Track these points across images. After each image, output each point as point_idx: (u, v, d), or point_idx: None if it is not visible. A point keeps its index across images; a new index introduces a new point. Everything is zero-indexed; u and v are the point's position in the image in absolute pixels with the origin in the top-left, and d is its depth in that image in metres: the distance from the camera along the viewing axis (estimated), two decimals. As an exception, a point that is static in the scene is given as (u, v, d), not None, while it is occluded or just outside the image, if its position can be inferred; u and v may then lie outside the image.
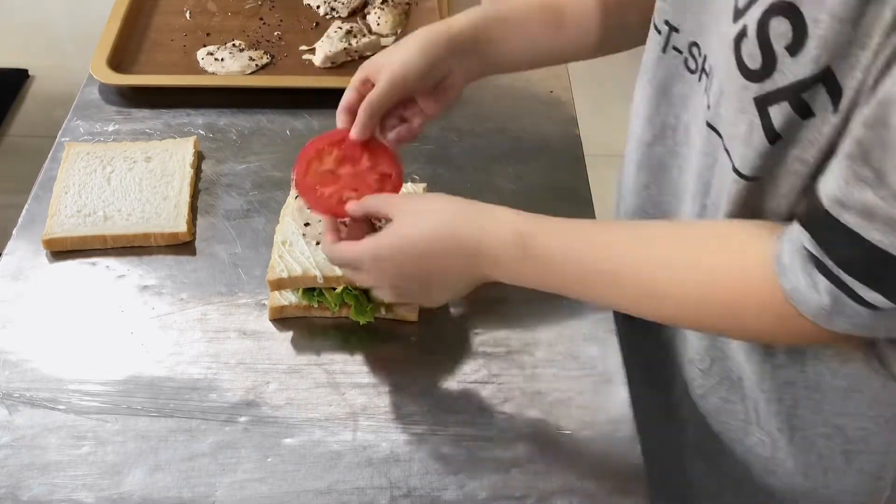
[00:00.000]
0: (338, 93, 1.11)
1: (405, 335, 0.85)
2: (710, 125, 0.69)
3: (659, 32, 0.76)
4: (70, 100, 1.12)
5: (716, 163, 0.69)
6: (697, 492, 0.89)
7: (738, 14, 0.62)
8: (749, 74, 0.61)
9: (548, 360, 0.83)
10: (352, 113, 0.82)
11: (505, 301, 0.88)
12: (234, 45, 1.18)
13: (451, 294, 0.77)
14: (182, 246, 0.93)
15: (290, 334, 0.85)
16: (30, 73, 2.65)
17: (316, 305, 0.85)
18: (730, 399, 0.80)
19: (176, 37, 1.21)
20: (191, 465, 0.75)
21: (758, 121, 0.61)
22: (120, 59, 1.15)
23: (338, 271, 0.83)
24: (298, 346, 0.84)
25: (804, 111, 0.59)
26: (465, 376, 0.82)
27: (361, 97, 0.82)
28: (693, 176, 0.74)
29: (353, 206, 0.77)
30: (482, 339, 0.85)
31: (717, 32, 0.67)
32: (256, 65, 1.15)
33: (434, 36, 0.82)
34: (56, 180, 0.98)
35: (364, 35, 1.19)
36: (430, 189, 0.95)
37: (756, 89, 0.60)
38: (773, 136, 0.61)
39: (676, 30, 0.73)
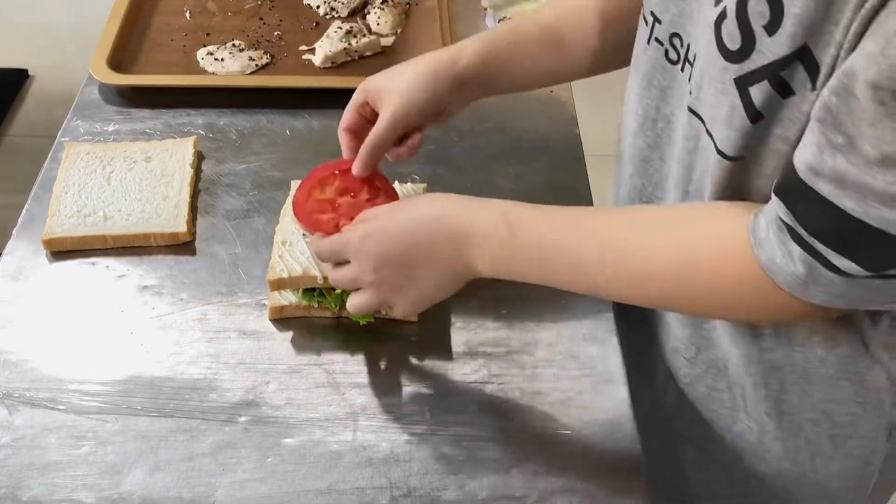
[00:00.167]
0: (338, 93, 1.11)
1: (405, 335, 0.85)
2: (691, 110, 0.69)
3: (646, 23, 0.76)
4: (70, 100, 1.12)
5: (697, 148, 0.70)
6: (694, 488, 0.89)
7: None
8: (729, 55, 0.62)
9: (548, 360, 0.83)
10: (352, 133, 0.84)
11: (505, 301, 0.88)
12: (234, 45, 1.18)
13: (437, 289, 0.76)
14: (182, 246, 0.93)
15: (290, 334, 0.85)
16: (30, 73, 2.65)
17: (316, 305, 0.85)
18: (716, 387, 0.80)
19: (176, 37, 1.21)
20: (191, 465, 0.75)
21: (738, 101, 0.62)
22: (120, 59, 1.15)
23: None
24: (298, 346, 0.84)
25: (784, 90, 0.60)
26: (465, 376, 0.82)
27: (361, 119, 0.84)
28: (676, 164, 0.75)
29: (349, 226, 0.77)
30: (482, 339, 0.85)
31: (699, 19, 0.68)
32: (256, 65, 1.15)
33: (439, 70, 0.82)
34: (56, 180, 0.98)
35: (364, 35, 1.19)
36: (430, 189, 0.95)
37: (736, 70, 0.61)
38: (754, 115, 0.62)
39: (659, 21, 0.74)
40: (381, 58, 1.18)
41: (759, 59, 0.60)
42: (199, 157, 1.03)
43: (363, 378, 0.82)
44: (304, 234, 0.87)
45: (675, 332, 0.83)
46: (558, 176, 1.03)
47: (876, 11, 0.52)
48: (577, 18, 0.87)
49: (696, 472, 0.88)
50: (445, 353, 0.84)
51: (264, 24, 1.24)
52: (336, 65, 1.16)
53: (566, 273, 0.71)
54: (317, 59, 1.16)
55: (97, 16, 1.27)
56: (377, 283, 0.75)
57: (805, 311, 0.64)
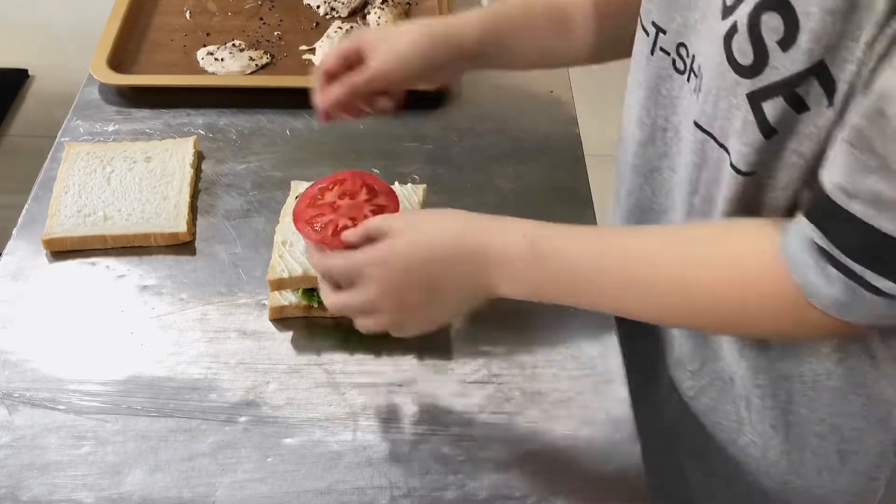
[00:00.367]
0: (338, 93, 1.11)
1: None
2: (697, 125, 0.68)
3: (647, 34, 0.75)
4: (70, 100, 1.12)
5: (705, 162, 0.69)
6: (694, 491, 0.89)
7: (728, 11, 0.61)
8: (741, 70, 0.61)
9: (548, 360, 0.83)
10: (330, 75, 0.83)
11: (505, 301, 0.88)
12: (234, 45, 1.18)
13: (455, 308, 0.74)
14: (182, 246, 0.93)
15: (290, 334, 0.85)
16: (30, 73, 2.65)
17: (316, 305, 0.85)
18: (721, 400, 0.80)
19: (176, 37, 1.21)
20: (191, 465, 0.75)
21: (751, 116, 0.61)
22: (120, 59, 1.15)
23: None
24: (298, 346, 0.84)
25: (798, 105, 0.59)
26: (465, 376, 0.82)
27: (345, 64, 0.82)
28: (684, 175, 0.74)
29: (350, 232, 0.73)
30: (482, 339, 0.85)
31: (705, 31, 0.67)
32: (256, 65, 1.15)
33: (438, 38, 0.82)
34: (56, 180, 0.98)
35: (364, 35, 1.19)
36: (430, 189, 0.95)
37: (748, 85, 0.60)
38: (767, 130, 0.61)
39: (663, 31, 0.73)
40: (381, 58, 1.18)
41: (772, 75, 0.59)
42: (199, 157, 1.03)
43: (363, 378, 0.82)
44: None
45: (680, 345, 0.82)
46: (558, 176, 1.03)
47: None
48: (582, 1, 0.86)
49: (698, 481, 0.88)
50: (445, 353, 0.84)
51: (264, 24, 1.24)
52: (336, 65, 1.16)
53: (591, 294, 0.70)
54: (317, 59, 1.16)
55: (97, 16, 1.27)
56: (391, 307, 0.71)
57: (839, 328, 0.62)
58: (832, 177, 0.57)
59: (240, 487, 0.73)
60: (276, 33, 1.22)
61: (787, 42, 0.57)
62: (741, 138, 0.63)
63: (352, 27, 1.19)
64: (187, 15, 1.25)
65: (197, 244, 0.94)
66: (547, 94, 1.13)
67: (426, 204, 0.93)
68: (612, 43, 0.87)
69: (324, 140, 1.06)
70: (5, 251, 0.92)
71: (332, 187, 0.80)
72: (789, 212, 0.63)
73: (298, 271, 0.84)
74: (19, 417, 0.78)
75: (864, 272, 0.57)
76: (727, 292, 0.65)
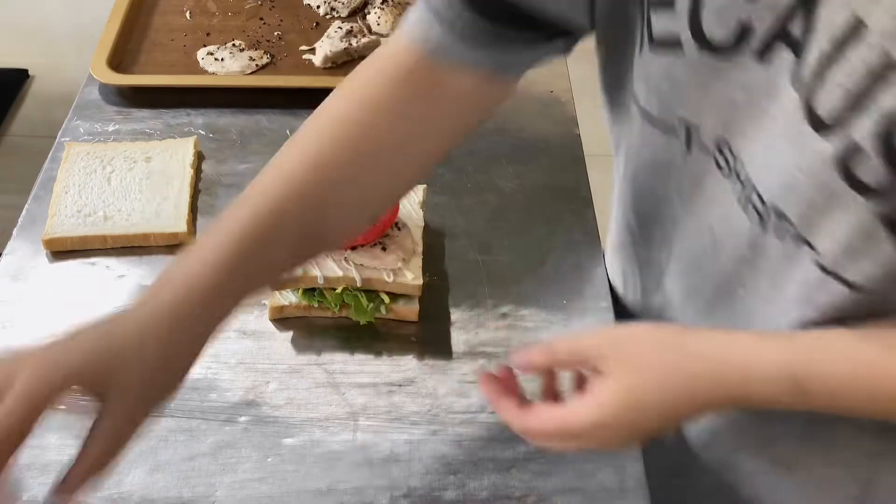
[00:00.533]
0: (338, 93, 1.11)
1: (405, 335, 0.85)
2: (790, 238, 0.59)
3: (676, 132, 0.62)
4: (70, 100, 1.12)
5: (777, 271, 0.61)
6: (697, 494, 0.89)
7: (825, 126, 0.51)
8: (868, 191, 0.51)
9: (548, 360, 0.83)
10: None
11: (505, 301, 0.88)
12: (234, 45, 1.18)
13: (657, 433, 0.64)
14: (182, 246, 0.93)
15: (290, 334, 0.85)
16: (30, 73, 2.65)
17: (316, 305, 0.85)
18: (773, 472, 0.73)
19: (176, 37, 1.21)
20: (191, 465, 0.75)
21: (886, 234, 0.53)
22: (120, 59, 1.15)
23: (338, 271, 0.83)
24: (298, 346, 0.84)
25: None
26: (464, 376, 0.82)
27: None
28: (726, 267, 0.66)
29: (535, 356, 0.62)
30: (482, 339, 0.85)
31: (757, 137, 0.57)
32: (256, 65, 1.15)
33: (171, 333, 0.57)
34: (56, 180, 0.98)
35: (364, 35, 1.19)
36: (430, 189, 0.95)
37: (880, 204, 0.51)
38: None
39: (696, 127, 0.61)
40: (381, 58, 1.18)
41: None
42: (199, 157, 1.03)
43: (363, 378, 0.82)
44: None
45: (742, 430, 0.74)
46: (558, 176, 1.03)
47: None
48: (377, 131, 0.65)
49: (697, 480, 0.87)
50: (445, 353, 0.84)
51: (264, 24, 1.24)
52: (336, 65, 1.16)
53: (856, 414, 0.60)
54: (317, 59, 1.16)
55: (97, 16, 1.27)
56: (604, 446, 0.62)
57: None
58: None
59: (240, 487, 0.73)
60: (276, 33, 1.22)
61: None
62: (867, 255, 0.55)
63: (352, 27, 1.19)
64: (187, 15, 1.25)
65: (197, 244, 0.94)
66: (547, 94, 1.13)
67: (426, 204, 0.93)
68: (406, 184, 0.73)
69: (324, 140, 1.06)
70: (5, 251, 0.92)
71: None
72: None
73: (298, 271, 0.84)
74: (19, 417, 0.78)
75: None
76: None
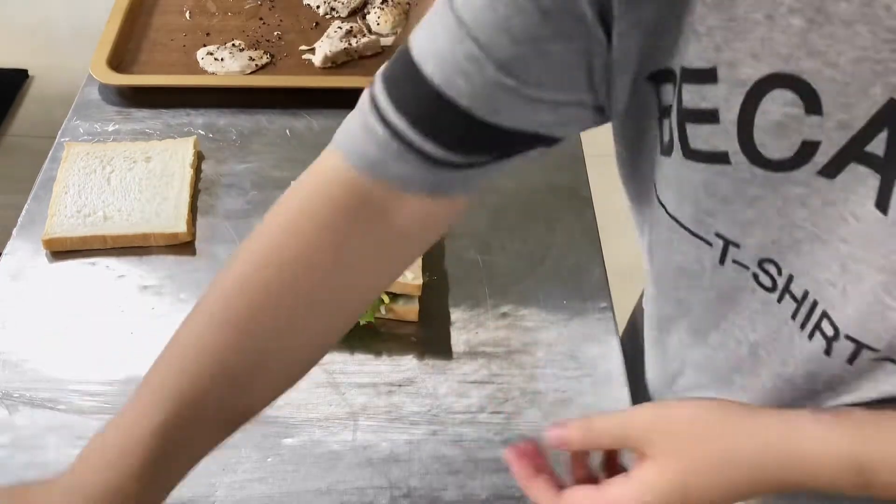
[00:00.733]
0: (338, 93, 1.11)
1: (405, 335, 0.85)
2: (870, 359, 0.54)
3: (710, 245, 0.57)
4: (70, 100, 1.12)
5: (837, 384, 0.57)
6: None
7: None
8: None
9: (548, 360, 0.83)
10: None
11: (505, 301, 0.88)
12: (234, 45, 1.18)
13: None
14: (182, 246, 0.93)
15: (290, 334, 0.85)
16: (30, 73, 2.65)
17: (316, 305, 0.85)
18: None
19: (176, 37, 1.21)
20: (191, 465, 0.75)
21: None
22: (120, 59, 1.15)
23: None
24: (298, 346, 0.84)
25: None
26: (465, 376, 0.82)
27: None
28: (775, 383, 0.61)
29: (573, 434, 0.55)
30: (482, 339, 0.85)
31: (816, 253, 0.52)
32: (256, 65, 1.15)
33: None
34: (56, 180, 0.98)
35: (364, 35, 1.19)
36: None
37: None
38: None
39: (737, 245, 0.56)
40: (381, 58, 1.18)
41: None
42: (199, 157, 1.03)
43: (363, 378, 0.82)
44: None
45: None
46: (558, 176, 1.03)
47: None
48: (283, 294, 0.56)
49: None
50: (445, 353, 0.84)
51: (264, 24, 1.24)
52: (336, 65, 1.16)
53: None
54: (317, 59, 1.16)
55: (97, 16, 1.27)
56: None
57: None
58: None
59: (240, 487, 0.73)
60: (276, 33, 1.22)
61: None
62: None
63: (352, 27, 1.19)
64: (187, 15, 1.25)
65: (197, 244, 0.94)
66: (547, 94, 1.13)
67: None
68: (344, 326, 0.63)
69: (324, 140, 1.05)
70: (5, 251, 0.92)
71: None
72: None
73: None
74: (19, 417, 0.78)
75: None
76: None
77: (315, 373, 0.81)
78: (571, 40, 0.50)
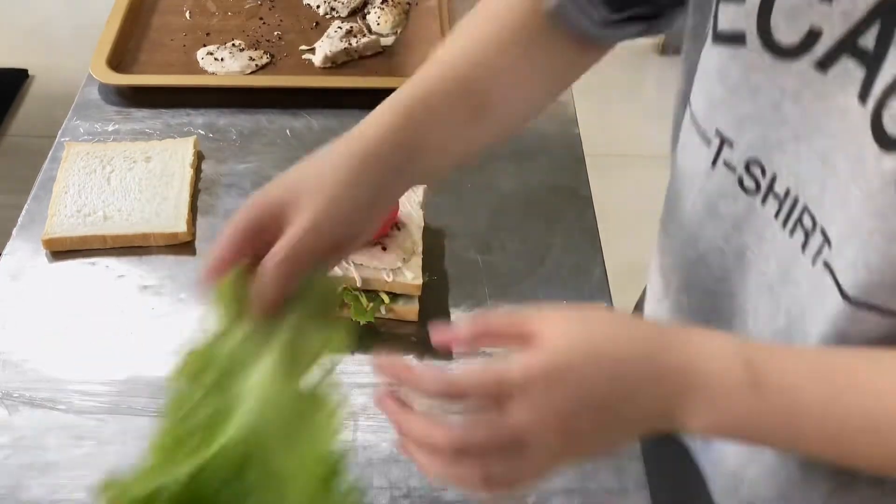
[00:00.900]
0: (338, 93, 1.11)
1: (405, 335, 0.85)
2: (822, 265, 0.57)
3: (707, 144, 0.62)
4: (70, 100, 1.12)
5: (808, 295, 0.59)
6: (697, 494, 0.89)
7: (893, 143, 0.49)
8: None
9: (548, 360, 0.83)
10: (236, 245, 0.59)
11: (505, 301, 0.88)
12: (234, 45, 1.18)
13: (620, 442, 0.59)
14: (182, 246, 0.93)
15: (290, 334, 0.85)
16: (30, 73, 2.65)
17: (316, 305, 0.85)
18: None
19: (176, 37, 1.21)
20: (191, 465, 0.75)
21: None
22: (120, 59, 1.15)
23: (338, 272, 0.83)
24: (298, 346, 0.84)
25: None
26: (465, 376, 0.82)
27: (254, 246, 0.59)
28: (765, 308, 0.64)
29: (461, 326, 0.56)
30: (482, 339, 0.85)
31: (798, 153, 0.56)
32: (256, 65, 1.15)
33: (363, 162, 0.62)
34: (56, 180, 0.98)
35: (364, 35, 1.19)
36: (430, 190, 0.95)
37: None
38: None
39: (730, 144, 0.60)
40: (381, 58, 1.18)
41: None
42: (199, 157, 1.03)
43: (363, 378, 0.82)
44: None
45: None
46: (558, 176, 1.03)
47: None
48: (499, 69, 0.69)
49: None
50: (445, 353, 0.84)
51: (264, 24, 1.24)
52: (336, 65, 1.16)
53: (822, 441, 0.54)
54: (317, 59, 1.16)
55: (97, 16, 1.27)
56: (548, 440, 0.52)
57: None
58: None
59: (240, 487, 0.73)
60: (276, 33, 1.22)
61: None
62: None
63: (352, 27, 1.19)
64: (187, 15, 1.25)
65: (197, 244, 0.94)
66: (547, 94, 1.13)
67: (426, 204, 0.93)
68: (521, 122, 0.75)
69: (324, 140, 1.05)
70: (5, 251, 0.92)
71: None
72: None
73: (298, 271, 0.83)
74: (19, 417, 0.78)
75: None
76: None
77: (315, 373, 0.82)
78: None
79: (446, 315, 0.87)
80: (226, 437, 0.53)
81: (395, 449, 0.76)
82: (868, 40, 0.49)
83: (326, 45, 1.16)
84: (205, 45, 1.18)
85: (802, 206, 0.57)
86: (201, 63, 1.16)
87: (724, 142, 0.61)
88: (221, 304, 0.58)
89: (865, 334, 0.55)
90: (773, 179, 0.59)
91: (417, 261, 0.86)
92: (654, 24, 0.71)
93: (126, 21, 1.19)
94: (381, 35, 1.21)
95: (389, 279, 0.84)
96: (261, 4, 1.27)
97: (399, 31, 1.23)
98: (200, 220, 0.96)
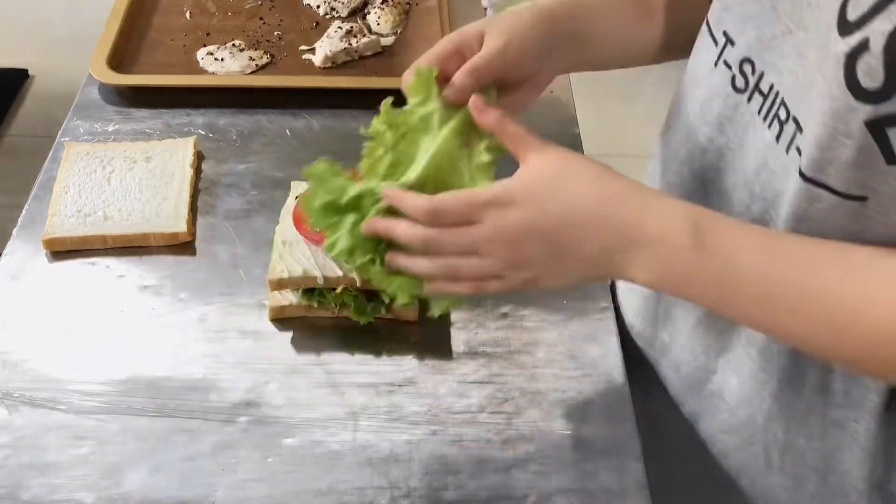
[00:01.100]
0: (337, 93, 1.11)
1: (405, 335, 0.85)
2: (795, 151, 0.61)
3: (716, 43, 0.69)
4: (70, 100, 1.12)
5: (779, 189, 0.64)
6: (697, 493, 0.89)
7: (850, 27, 0.53)
8: (863, 95, 0.53)
9: (548, 360, 0.83)
10: (437, 56, 0.72)
11: (505, 301, 0.88)
12: (234, 45, 1.18)
13: (569, 280, 0.66)
14: (182, 246, 0.93)
15: (290, 334, 0.85)
16: (30, 73, 2.65)
17: (316, 305, 0.85)
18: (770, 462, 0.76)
19: (176, 37, 1.21)
20: (190, 465, 0.75)
21: (871, 142, 0.54)
22: (120, 59, 1.15)
23: (338, 271, 0.83)
24: (298, 346, 0.84)
25: None
26: (465, 376, 0.82)
27: (455, 57, 0.72)
28: (740, 195, 0.68)
29: (496, 114, 0.69)
30: (482, 339, 0.85)
31: (783, 48, 0.61)
32: (256, 65, 1.15)
33: (542, 17, 0.74)
34: (56, 180, 0.98)
35: (364, 35, 1.19)
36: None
37: (869, 111, 0.53)
38: (892, 157, 0.54)
39: (732, 43, 0.67)
40: (381, 58, 1.18)
41: None
42: (199, 157, 1.03)
43: (363, 378, 0.82)
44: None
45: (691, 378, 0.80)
46: (558, 176, 1.02)
47: None
48: None
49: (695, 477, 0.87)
50: (445, 353, 0.84)
51: (264, 24, 1.24)
52: (336, 65, 1.16)
53: (751, 305, 0.59)
54: (317, 59, 1.16)
55: (97, 16, 1.27)
56: (502, 256, 0.64)
57: None
58: None
59: (240, 488, 0.73)
60: (276, 33, 1.22)
61: None
62: (855, 165, 0.56)
63: (352, 27, 1.19)
64: (187, 15, 1.25)
65: (197, 244, 0.94)
66: (547, 94, 1.12)
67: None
68: (681, 36, 0.79)
69: (324, 140, 1.06)
70: (5, 251, 0.92)
71: None
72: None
73: (298, 271, 0.83)
74: (19, 417, 0.78)
75: None
76: None
77: (315, 373, 0.82)
78: None
79: (446, 315, 0.87)
80: (413, 173, 0.69)
81: (394, 449, 0.76)
82: None
83: (326, 45, 1.16)
84: (205, 45, 1.18)
85: (781, 99, 0.62)
86: (201, 63, 1.16)
87: (728, 42, 0.67)
88: (417, 85, 0.71)
89: (823, 215, 0.59)
90: (761, 77, 0.64)
91: (417, 261, 0.86)
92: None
93: (126, 21, 1.19)
94: (382, 35, 1.21)
95: (389, 279, 0.84)
96: (261, 4, 1.27)
97: (399, 31, 1.23)
98: (200, 220, 0.96)
